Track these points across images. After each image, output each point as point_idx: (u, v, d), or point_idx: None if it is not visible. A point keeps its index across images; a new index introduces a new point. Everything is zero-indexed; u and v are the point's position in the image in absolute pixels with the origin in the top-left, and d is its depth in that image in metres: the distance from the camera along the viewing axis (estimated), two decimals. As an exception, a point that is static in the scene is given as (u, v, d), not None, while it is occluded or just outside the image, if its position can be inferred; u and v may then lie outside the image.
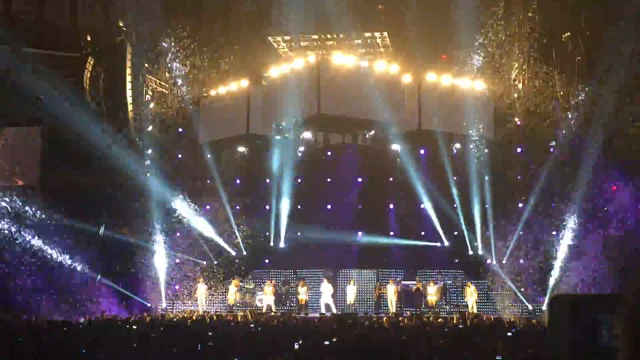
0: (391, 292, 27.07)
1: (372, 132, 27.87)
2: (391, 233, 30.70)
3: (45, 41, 31.90)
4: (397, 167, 30.48)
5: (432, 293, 27.05)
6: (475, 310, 25.81)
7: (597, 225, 25.69)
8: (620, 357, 1.15)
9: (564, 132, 26.70)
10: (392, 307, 26.83)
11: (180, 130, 29.38)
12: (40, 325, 17.31)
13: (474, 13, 27.87)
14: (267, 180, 29.93)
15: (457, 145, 29.45)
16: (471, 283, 26.70)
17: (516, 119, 28.85)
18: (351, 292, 27.42)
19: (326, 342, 12.61)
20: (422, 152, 29.68)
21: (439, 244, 29.91)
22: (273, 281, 28.09)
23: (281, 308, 27.98)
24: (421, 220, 30.35)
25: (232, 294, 27.69)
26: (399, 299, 27.47)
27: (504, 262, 27.55)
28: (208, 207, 29.33)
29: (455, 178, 29.69)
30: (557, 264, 26.09)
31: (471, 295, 26.43)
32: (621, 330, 1.14)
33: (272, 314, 25.86)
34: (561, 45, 27.02)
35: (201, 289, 27.61)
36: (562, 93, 26.54)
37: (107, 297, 26.60)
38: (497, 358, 11.06)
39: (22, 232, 26.44)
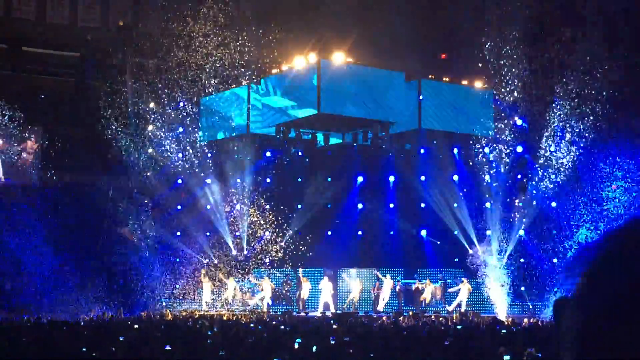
0: (387, 288, 26.98)
1: (372, 132, 27.86)
2: (391, 232, 30.72)
3: (46, 41, 31.93)
4: (397, 166, 30.50)
5: (431, 292, 27.01)
6: (463, 309, 25.77)
7: (599, 223, 25.68)
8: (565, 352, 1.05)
9: (562, 127, 26.70)
10: (381, 306, 26.69)
11: (180, 129, 29.40)
12: (41, 324, 17.31)
13: (474, 11, 27.89)
14: (268, 180, 29.95)
15: (457, 144, 29.44)
16: (467, 280, 26.61)
17: (516, 118, 28.83)
18: (356, 290, 27.40)
19: (326, 341, 12.61)
20: (422, 151, 29.69)
21: (438, 243, 29.92)
22: (269, 278, 28.02)
23: (281, 307, 27.98)
24: (421, 219, 30.37)
25: (231, 293, 27.69)
26: (399, 298, 27.46)
27: (504, 261, 27.55)
28: (208, 207, 29.35)
29: (455, 177, 29.70)
30: (559, 263, 26.08)
31: (464, 294, 26.27)
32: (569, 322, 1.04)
33: (268, 310, 25.85)
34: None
35: (206, 289, 27.63)
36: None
37: (107, 296, 26.60)
38: (505, 358, 11.00)
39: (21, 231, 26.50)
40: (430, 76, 27.56)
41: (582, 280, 1.03)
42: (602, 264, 1.01)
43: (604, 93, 25.64)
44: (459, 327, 17.77)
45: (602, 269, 1.00)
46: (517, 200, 27.79)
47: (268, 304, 27.02)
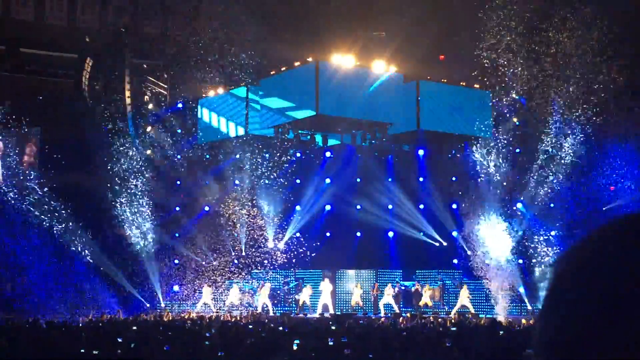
0: (388, 294, 27.04)
1: (370, 133, 27.88)
2: (390, 234, 30.71)
3: (44, 42, 31.91)
4: (396, 167, 30.51)
5: (430, 295, 27.00)
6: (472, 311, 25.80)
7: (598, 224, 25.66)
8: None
9: (561, 127, 26.73)
10: (396, 308, 26.76)
11: (179, 131, 29.40)
12: (39, 325, 17.31)
13: (473, 12, 27.90)
14: (267, 181, 29.94)
15: (456, 145, 29.45)
16: (465, 285, 26.68)
17: (515, 119, 28.86)
18: (357, 294, 27.43)
19: (325, 342, 12.62)
20: (420, 152, 29.69)
21: (437, 244, 29.92)
22: (268, 283, 28.06)
23: (280, 308, 27.99)
24: (419, 220, 30.38)
25: (232, 294, 27.69)
26: (398, 299, 27.46)
27: (502, 262, 27.55)
28: (207, 208, 29.35)
29: (454, 178, 29.71)
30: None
31: (464, 297, 26.33)
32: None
33: (270, 313, 25.90)
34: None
35: (206, 292, 27.61)
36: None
37: (107, 297, 26.61)
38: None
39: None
40: (428, 77, 27.56)
41: (560, 281, 1.03)
42: (584, 266, 1.01)
43: (604, 95, 25.69)
44: (456, 328, 17.77)
45: (586, 270, 1.01)
46: (515, 201, 27.80)
47: (265, 305, 26.99)
